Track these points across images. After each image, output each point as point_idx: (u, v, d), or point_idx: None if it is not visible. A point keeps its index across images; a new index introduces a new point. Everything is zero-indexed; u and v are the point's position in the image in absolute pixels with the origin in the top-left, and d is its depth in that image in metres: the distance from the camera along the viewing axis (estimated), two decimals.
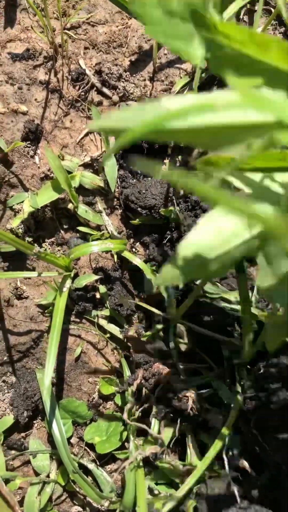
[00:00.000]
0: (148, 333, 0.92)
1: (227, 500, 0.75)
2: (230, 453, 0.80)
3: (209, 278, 0.76)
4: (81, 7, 0.98)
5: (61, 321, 0.83)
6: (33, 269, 0.96)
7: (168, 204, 0.92)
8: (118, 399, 0.93)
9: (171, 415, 0.84)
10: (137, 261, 0.89)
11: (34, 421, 0.94)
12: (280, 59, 0.38)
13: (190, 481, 0.77)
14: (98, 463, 0.91)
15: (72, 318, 0.95)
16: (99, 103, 0.97)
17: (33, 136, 0.95)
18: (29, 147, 0.95)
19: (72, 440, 0.93)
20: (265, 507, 0.73)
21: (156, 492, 0.83)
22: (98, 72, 0.97)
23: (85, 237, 0.96)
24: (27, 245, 0.81)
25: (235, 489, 0.74)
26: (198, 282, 0.86)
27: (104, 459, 0.92)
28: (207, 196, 0.27)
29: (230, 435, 0.78)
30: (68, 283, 0.88)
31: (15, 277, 0.94)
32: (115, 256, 0.95)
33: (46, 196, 0.92)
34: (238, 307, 0.85)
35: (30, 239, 0.95)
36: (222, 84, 0.95)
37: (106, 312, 0.94)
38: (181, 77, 0.97)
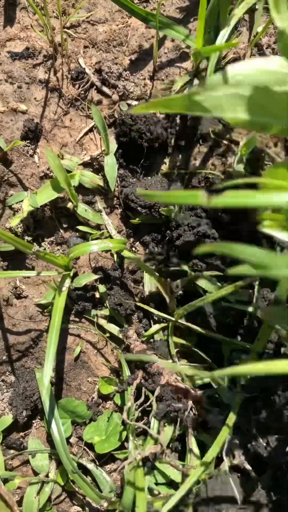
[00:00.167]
0: (148, 333, 0.91)
1: (227, 500, 0.75)
2: (230, 453, 0.79)
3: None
4: (81, 5, 0.98)
5: (60, 321, 0.83)
6: (33, 269, 0.95)
7: None
8: (117, 399, 0.92)
9: (171, 415, 0.83)
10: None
11: (33, 421, 0.94)
12: None
13: (189, 481, 0.77)
14: (97, 463, 0.91)
15: (72, 317, 0.95)
16: (99, 102, 0.97)
17: (33, 135, 0.94)
18: (29, 146, 0.95)
19: (71, 440, 0.92)
20: (265, 507, 0.73)
21: (156, 492, 0.83)
22: (98, 71, 0.97)
23: (84, 237, 0.96)
24: (26, 244, 0.81)
25: (235, 489, 0.74)
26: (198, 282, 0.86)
27: (103, 459, 0.91)
28: None
29: (230, 435, 0.78)
30: (67, 282, 0.88)
31: (14, 277, 0.93)
32: (115, 256, 0.95)
33: (46, 195, 0.91)
34: (237, 306, 0.85)
35: (29, 238, 0.94)
36: None
37: (105, 312, 0.94)
38: (181, 76, 0.97)
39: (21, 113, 0.95)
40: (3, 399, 0.92)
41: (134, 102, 0.96)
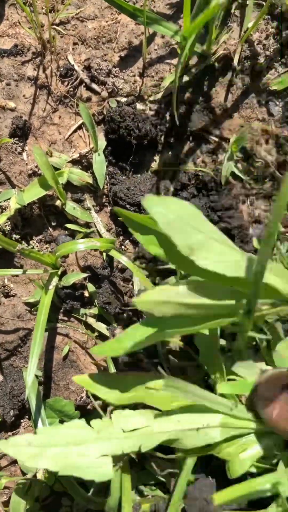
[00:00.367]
0: None
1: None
2: None
3: None
4: (70, 2, 0.97)
5: (46, 319, 0.82)
6: (21, 267, 0.95)
7: None
8: None
9: None
10: (124, 259, 0.88)
11: (22, 420, 0.93)
12: None
13: (179, 482, 0.76)
14: None
15: (60, 316, 0.94)
16: (88, 99, 0.96)
17: (21, 132, 0.94)
18: (17, 143, 0.94)
19: None
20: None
21: (145, 493, 0.82)
22: (87, 68, 0.96)
23: (73, 235, 0.95)
24: (10, 242, 0.80)
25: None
26: None
27: None
28: None
29: None
30: (54, 281, 0.87)
31: (2, 275, 0.93)
32: (104, 254, 0.94)
33: (33, 192, 0.91)
34: None
35: (17, 237, 0.94)
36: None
37: (94, 311, 0.93)
38: (171, 73, 0.96)
39: (9, 111, 0.95)
40: None
41: (124, 99, 0.95)
